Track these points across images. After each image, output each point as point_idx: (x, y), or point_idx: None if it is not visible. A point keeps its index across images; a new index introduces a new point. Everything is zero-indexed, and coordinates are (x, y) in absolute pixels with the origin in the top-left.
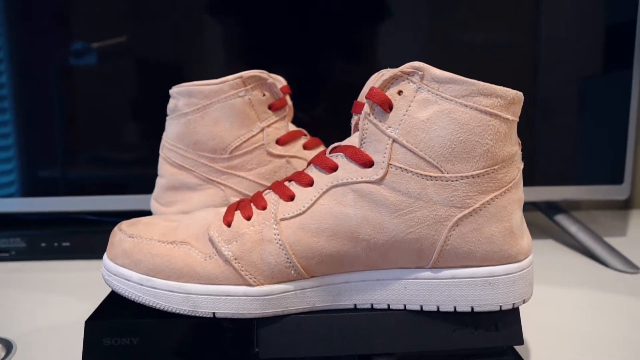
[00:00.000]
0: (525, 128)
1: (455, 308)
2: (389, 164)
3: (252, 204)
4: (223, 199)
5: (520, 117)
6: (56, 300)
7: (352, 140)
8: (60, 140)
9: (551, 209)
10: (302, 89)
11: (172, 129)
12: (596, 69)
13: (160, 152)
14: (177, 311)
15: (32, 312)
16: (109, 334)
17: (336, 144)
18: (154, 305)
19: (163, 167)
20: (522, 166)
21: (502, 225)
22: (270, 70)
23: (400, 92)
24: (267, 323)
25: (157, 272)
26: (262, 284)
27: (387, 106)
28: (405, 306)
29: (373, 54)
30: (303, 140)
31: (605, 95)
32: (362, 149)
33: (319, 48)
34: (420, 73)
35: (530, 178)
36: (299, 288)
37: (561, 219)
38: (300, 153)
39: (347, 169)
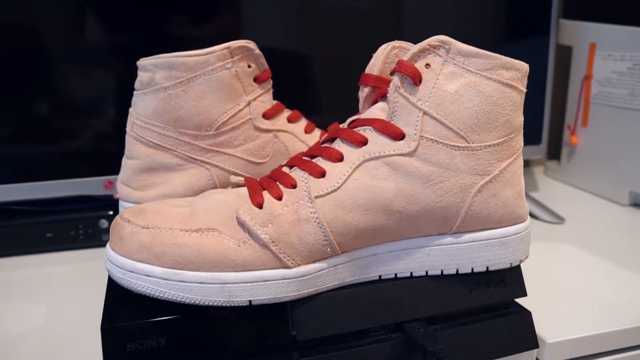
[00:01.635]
0: None
1: (472, 269)
2: (421, 136)
3: (277, 183)
4: (208, 179)
5: None
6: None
7: (374, 112)
8: None
9: None
10: None
11: (147, 104)
12: (514, 35)
13: (128, 130)
14: (211, 303)
15: None
16: (132, 337)
17: (355, 117)
18: (183, 300)
19: (135, 147)
20: None
21: (514, 189)
22: None
23: (427, 65)
24: (300, 304)
25: (185, 264)
26: (299, 265)
27: (418, 79)
28: (427, 272)
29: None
30: (286, 114)
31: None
32: (392, 122)
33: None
34: (446, 46)
35: None
36: (332, 265)
37: None
38: (286, 126)
39: (378, 142)
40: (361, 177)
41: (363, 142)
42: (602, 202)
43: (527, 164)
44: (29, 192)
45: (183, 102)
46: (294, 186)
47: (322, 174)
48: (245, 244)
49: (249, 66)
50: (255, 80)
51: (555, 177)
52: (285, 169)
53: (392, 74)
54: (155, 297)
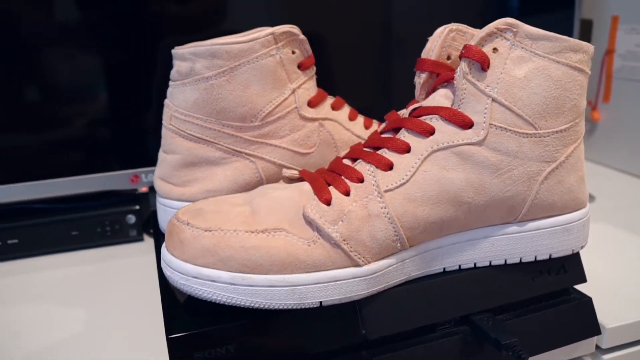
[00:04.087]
0: None
1: (535, 257)
2: (490, 124)
3: (343, 177)
4: (254, 172)
5: None
6: (23, 310)
7: (438, 100)
8: None
9: None
10: None
11: (187, 96)
12: (538, 8)
13: (166, 124)
14: (281, 307)
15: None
16: (200, 346)
17: (416, 104)
18: (252, 305)
19: (174, 141)
20: None
21: (577, 175)
22: None
23: (495, 50)
24: (367, 303)
25: (253, 267)
26: (369, 263)
27: (486, 64)
28: (490, 262)
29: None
30: (329, 101)
31: None
32: (460, 110)
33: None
34: (514, 30)
35: None
36: (400, 260)
37: None
38: (331, 114)
39: (445, 131)
40: (430, 169)
41: (430, 131)
42: (625, 177)
43: None
44: (52, 189)
45: (226, 93)
46: (361, 180)
47: (389, 166)
48: (315, 243)
49: (293, 52)
50: (299, 67)
51: None
52: (347, 162)
53: (460, 58)
54: (222, 302)
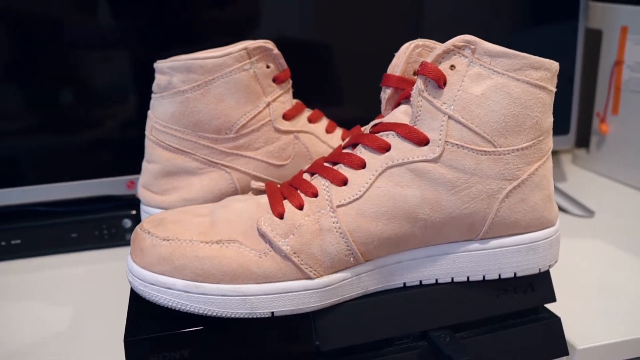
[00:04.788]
0: None
1: (500, 275)
2: (446, 142)
3: (298, 191)
4: (229, 182)
5: None
6: (21, 307)
7: (397, 116)
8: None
9: None
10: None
11: (165, 108)
12: (541, 18)
13: (147, 134)
14: (233, 315)
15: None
16: (154, 349)
17: (378, 120)
18: (205, 312)
19: (154, 151)
20: None
21: (543, 193)
22: None
23: (452, 67)
24: (323, 314)
25: (206, 276)
26: (322, 276)
27: (442, 82)
28: (452, 279)
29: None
30: (306, 113)
31: (551, 48)
32: (416, 127)
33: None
34: (472, 47)
35: None
36: (355, 274)
37: None
38: (307, 127)
39: (401, 148)
40: (384, 185)
41: (386, 148)
42: (633, 192)
43: (554, 153)
44: (54, 193)
45: (201, 106)
46: (315, 195)
47: (343, 182)
48: (266, 255)
49: (268, 66)
50: (274, 80)
51: (584, 166)
52: (306, 176)
53: (415, 74)
54: (177, 309)
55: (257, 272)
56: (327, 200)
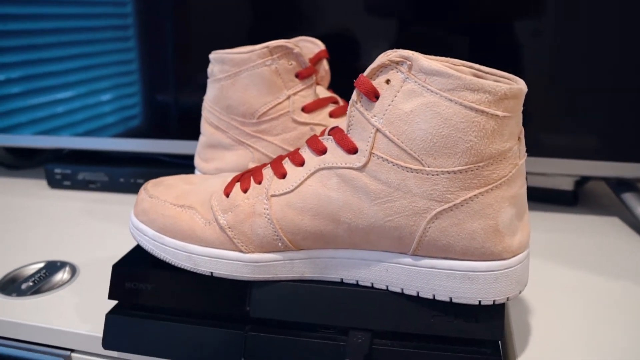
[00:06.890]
0: (599, 101)
1: (434, 296)
2: (371, 153)
3: (251, 178)
4: (252, 160)
5: (590, 91)
6: (122, 232)
7: (344, 123)
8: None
9: (621, 185)
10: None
11: (210, 92)
12: None
13: (203, 112)
14: (182, 266)
15: (101, 242)
16: (130, 278)
17: (334, 125)
18: (164, 259)
19: (204, 126)
20: (521, 161)
21: (485, 223)
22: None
23: (388, 81)
24: (260, 285)
25: (166, 231)
26: (253, 252)
27: (373, 95)
28: (387, 287)
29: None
30: (331, 108)
31: None
32: (348, 135)
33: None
34: (408, 63)
35: (600, 152)
36: (288, 258)
37: (629, 197)
38: (325, 121)
39: (334, 153)
40: (314, 184)
41: (322, 151)
42: None
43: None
44: (177, 147)
45: (232, 93)
46: (260, 182)
47: (283, 175)
48: (210, 224)
49: (290, 63)
50: (297, 76)
51: None
52: (265, 167)
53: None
54: (149, 252)
55: (201, 237)
56: (265, 188)
